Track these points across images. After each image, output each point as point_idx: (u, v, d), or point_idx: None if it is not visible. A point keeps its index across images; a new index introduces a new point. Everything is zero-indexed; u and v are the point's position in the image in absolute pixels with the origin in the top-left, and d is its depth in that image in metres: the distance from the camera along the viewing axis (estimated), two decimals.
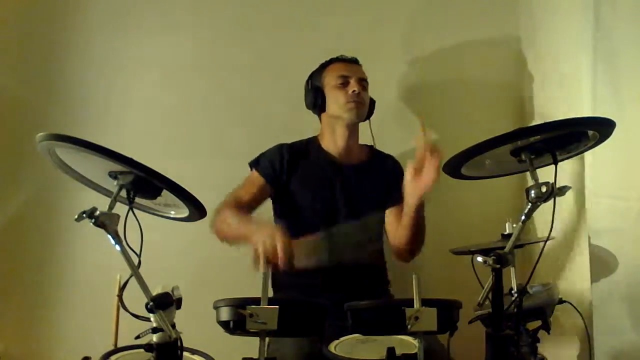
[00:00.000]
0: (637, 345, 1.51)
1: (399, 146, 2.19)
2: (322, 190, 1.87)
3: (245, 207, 1.82)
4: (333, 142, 1.92)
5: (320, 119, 1.95)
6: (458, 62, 2.29)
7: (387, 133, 2.14)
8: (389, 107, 2.13)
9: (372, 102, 1.96)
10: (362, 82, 1.90)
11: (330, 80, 1.89)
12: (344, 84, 1.87)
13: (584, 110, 1.70)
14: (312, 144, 1.95)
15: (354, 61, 1.94)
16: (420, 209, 1.76)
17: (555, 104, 2.04)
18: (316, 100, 1.89)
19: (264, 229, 1.54)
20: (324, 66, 1.93)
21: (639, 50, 1.52)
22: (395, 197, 1.99)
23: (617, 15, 1.57)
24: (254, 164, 1.90)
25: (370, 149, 2.00)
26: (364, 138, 1.99)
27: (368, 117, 1.96)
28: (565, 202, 1.79)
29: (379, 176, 1.96)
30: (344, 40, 2.16)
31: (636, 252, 1.53)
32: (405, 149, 2.22)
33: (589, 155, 1.43)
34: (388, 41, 2.26)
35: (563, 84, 1.97)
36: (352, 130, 1.91)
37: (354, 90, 1.85)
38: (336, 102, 1.87)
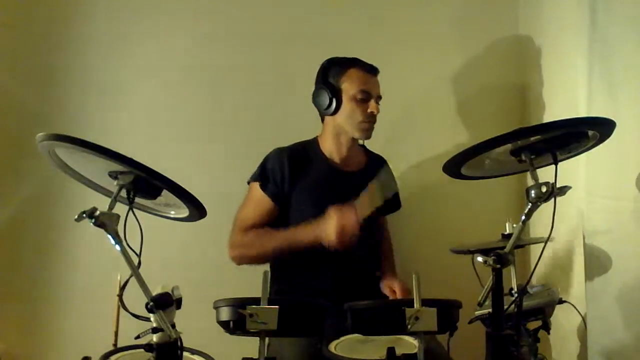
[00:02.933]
0: (630, 345, 1.51)
1: (398, 145, 2.20)
2: (325, 199, 1.80)
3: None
4: (336, 148, 1.87)
5: (323, 119, 1.90)
6: (458, 63, 2.29)
7: (386, 132, 2.14)
8: (390, 108, 2.12)
9: None
10: (379, 100, 1.84)
11: (350, 89, 1.80)
12: (365, 99, 1.80)
13: (579, 111, 1.70)
14: (311, 148, 1.90)
15: (375, 72, 1.85)
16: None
17: (553, 104, 2.05)
18: (330, 103, 1.81)
19: (333, 215, 1.65)
20: (345, 66, 1.83)
21: (634, 52, 1.52)
22: (392, 206, 2.01)
23: (613, 17, 1.58)
24: (257, 178, 1.83)
25: (364, 149, 1.98)
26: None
27: None
28: (561, 202, 1.79)
29: (382, 187, 1.94)
30: (344, 42, 2.15)
31: (630, 251, 1.53)
32: (404, 147, 2.23)
33: (583, 155, 1.44)
34: (388, 41, 2.25)
35: (560, 85, 1.97)
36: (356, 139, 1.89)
37: (372, 112, 1.80)
38: (351, 116, 1.81)
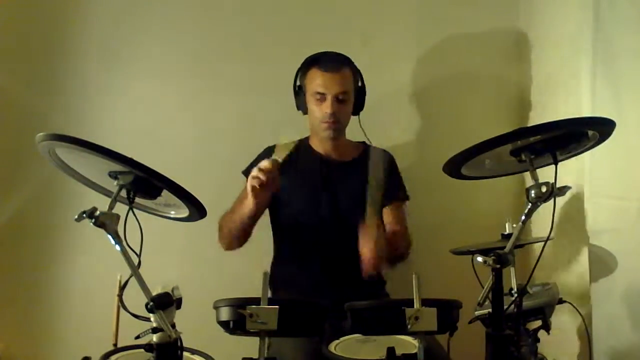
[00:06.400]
0: (636, 345, 1.51)
1: (397, 145, 2.19)
2: (309, 190, 1.86)
3: None
4: (320, 142, 1.91)
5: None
6: (458, 63, 2.29)
7: (385, 130, 2.14)
8: (388, 105, 2.13)
9: (363, 95, 1.89)
10: (340, 97, 1.80)
11: (309, 90, 1.84)
12: (321, 99, 1.81)
13: (583, 111, 1.70)
14: (302, 143, 1.94)
15: (333, 69, 1.81)
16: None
17: (555, 105, 2.04)
18: (300, 104, 1.88)
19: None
20: (307, 66, 1.86)
21: (638, 52, 1.52)
22: (388, 194, 1.96)
23: (617, 17, 1.58)
24: (246, 173, 1.84)
25: (363, 145, 1.97)
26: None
27: (358, 112, 1.91)
28: (564, 202, 1.79)
29: (368, 171, 1.94)
30: (343, 35, 2.16)
31: (635, 252, 1.53)
32: (403, 147, 2.22)
33: (587, 155, 1.44)
34: (388, 40, 2.25)
35: (562, 85, 1.97)
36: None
37: (326, 112, 1.80)
38: (313, 115, 1.85)
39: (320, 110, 1.82)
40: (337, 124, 1.84)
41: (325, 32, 2.22)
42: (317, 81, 1.81)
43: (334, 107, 1.80)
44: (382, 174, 1.96)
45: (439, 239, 2.06)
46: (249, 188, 1.61)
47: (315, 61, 1.85)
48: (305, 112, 1.88)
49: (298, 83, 1.88)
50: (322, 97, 1.81)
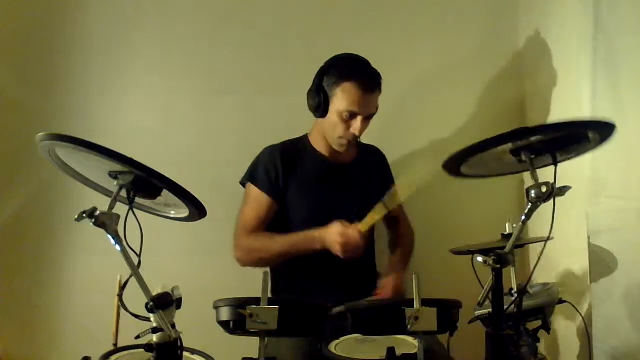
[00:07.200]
0: (636, 345, 1.51)
1: (396, 144, 2.19)
2: (319, 193, 1.86)
3: (261, 229, 1.83)
4: (324, 144, 1.88)
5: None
6: (458, 62, 2.29)
7: (386, 130, 2.13)
8: (388, 106, 2.12)
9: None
10: (369, 118, 1.78)
11: (339, 104, 1.74)
12: (351, 117, 1.74)
13: (583, 111, 1.70)
14: (302, 144, 1.92)
15: (372, 89, 1.75)
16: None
17: (556, 105, 2.04)
18: (318, 108, 1.78)
19: (336, 230, 1.69)
20: (342, 77, 1.74)
21: (638, 52, 1.52)
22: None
23: (617, 17, 1.58)
24: (251, 178, 1.86)
25: (357, 143, 1.94)
26: None
27: None
28: (565, 202, 1.79)
29: (370, 171, 1.95)
30: (345, 40, 2.16)
31: (636, 252, 1.53)
32: (403, 146, 2.22)
33: (588, 155, 1.44)
34: (389, 40, 2.25)
35: (563, 85, 1.97)
36: None
37: (353, 134, 1.76)
38: (333, 129, 1.79)
39: (346, 128, 1.76)
40: (355, 142, 1.82)
41: (326, 33, 2.22)
42: (352, 100, 1.72)
43: (362, 128, 1.76)
44: (383, 172, 2.00)
45: (439, 239, 2.06)
46: (340, 252, 1.68)
47: (352, 75, 1.74)
48: (322, 115, 1.80)
49: (325, 87, 1.77)
50: (354, 116, 1.74)
